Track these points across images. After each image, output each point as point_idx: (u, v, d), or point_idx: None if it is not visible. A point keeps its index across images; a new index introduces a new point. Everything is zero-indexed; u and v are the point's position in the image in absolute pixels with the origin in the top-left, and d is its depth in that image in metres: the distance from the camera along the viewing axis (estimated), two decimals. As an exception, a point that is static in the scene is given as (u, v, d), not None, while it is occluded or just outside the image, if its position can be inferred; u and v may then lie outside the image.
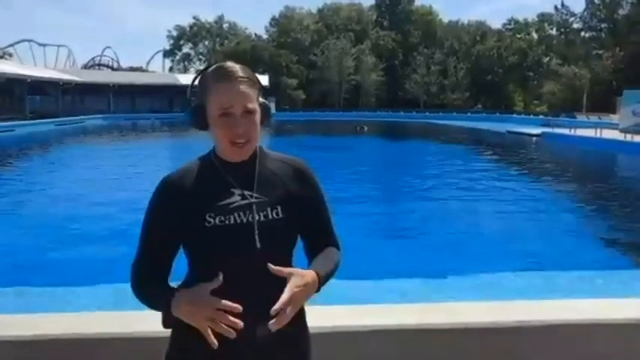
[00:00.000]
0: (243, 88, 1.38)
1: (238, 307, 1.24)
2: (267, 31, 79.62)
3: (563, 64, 62.44)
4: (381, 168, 18.53)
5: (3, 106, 41.66)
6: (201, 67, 1.48)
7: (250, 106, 1.38)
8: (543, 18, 73.31)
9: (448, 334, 2.18)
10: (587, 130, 26.07)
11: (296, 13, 78.23)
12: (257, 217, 1.40)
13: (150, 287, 1.40)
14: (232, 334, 1.24)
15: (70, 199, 11.14)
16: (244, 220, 1.39)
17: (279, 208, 1.42)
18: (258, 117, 1.41)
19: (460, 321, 2.21)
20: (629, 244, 7.92)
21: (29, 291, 4.82)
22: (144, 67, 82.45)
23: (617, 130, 25.42)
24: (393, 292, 4.78)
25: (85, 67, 75.88)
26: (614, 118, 34.01)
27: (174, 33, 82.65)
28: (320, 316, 2.16)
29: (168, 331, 1.46)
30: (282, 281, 1.30)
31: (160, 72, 78.57)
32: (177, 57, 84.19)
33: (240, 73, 1.38)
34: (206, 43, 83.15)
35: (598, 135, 24.39)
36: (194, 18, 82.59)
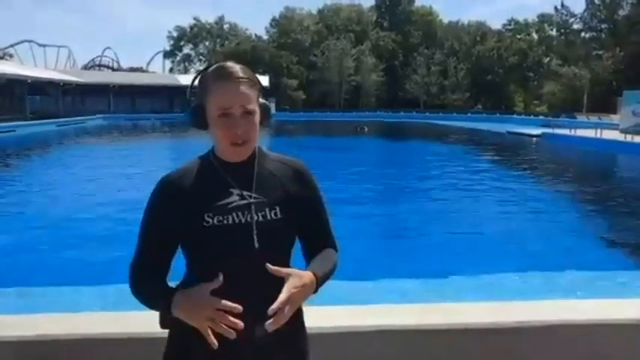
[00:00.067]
0: (242, 88, 1.37)
1: (238, 307, 1.24)
2: (267, 31, 79.77)
3: (563, 64, 62.47)
4: (381, 168, 18.52)
5: (3, 107, 41.66)
6: (202, 68, 1.48)
7: (250, 106, 1.38)
8: (543, 18, 73.32)
9: (448, 334, 2.18)
10: (588, 130, 26.05)
11: (296, 13, 78.27)
12: (255, 218, 1.40)
13: (149, 287, 1.40)
14: (232, 335, 1.24)
15: (70, 199, 11.16)
16: (243, 220, 1.39)
17: (277, 209, 1.43)
18: (257, 118, 1.41)
19: (460, 321, 2.22)
20: (629, 244, 7.92)
21: (31, 291, 4.82)
22: (144, 67, 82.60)
23: (618, 130, 25.41)
24: (393, 292, 4.78)
25: (86, 67, 75.98)
26: (615, 118, 34.02)
27: (175, 33, 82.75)
28: (321, 317, 2.17)
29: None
30: (281, 281, 1.30)
31: (160, 73, 78.63)
32: (178, 58, 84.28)
33: (240, 74, 1.38)
34: (206, 43, 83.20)
35: (598, 135, 24.38)
36: (194, 19, 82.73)
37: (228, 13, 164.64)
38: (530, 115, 53.93)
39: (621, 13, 62.91)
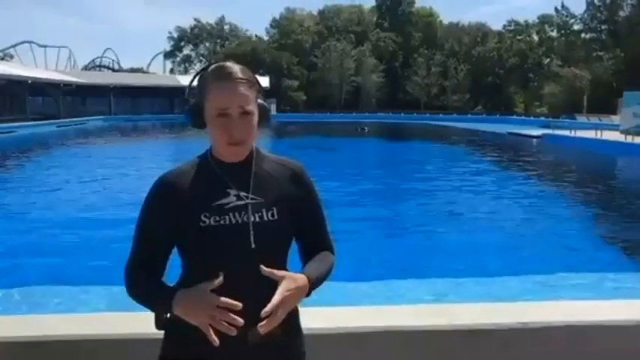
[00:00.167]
0: (241, 89, 1.37)
1: (238, 304, 1.25)
2: (267, 32, 79.84)
3: (563, 65, 62.45)
4: (382, 168, 18.52)
5: (4, 108, 41.69)
6: (201, 68, 1.48)
7: (247, 107, 1.38)
8: (544, 19, 73.27)
9: (448, 335, 2.19)
10: (588, 131, 26.06)
11: (297, 14, 78.33)
12: (252, 218, 1.40)
13: (148, 287, 1.40)
14: (233, 332, 1.25)
15: (71, 199, 11.16)
16: (239, 221, 1.39)
17: (274, 210, 1.42)
18: (255, 118, 1.41)
19: (460, 322, 2.22)
20: (629, 245, 7.92)
21: (32, 291, 4.83)
22: (144, 68, 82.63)
23: (618, 131, 25.41)
24: (395, 293, 4.79)
25: (86, 68, 76.04)
26: (615, 119, 34.01)
27: (175, 34, 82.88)
28: (322, 317, 2.17)
29: None
30: (277, 283, 1.31)
31: (160, 73, 78.67)
32: (178, 58, 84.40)
33: (239, 74, 1.38)
34: (207, 44, 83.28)
35: (599, 136, 24.38)
36: (195, 19, 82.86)
37: (229, 14, 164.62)
38: (530, 117, 53.90)
39: (621, 14, 62.95)
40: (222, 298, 1.25)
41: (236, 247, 1.38)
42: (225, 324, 1.25)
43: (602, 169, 19.13)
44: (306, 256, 1.50)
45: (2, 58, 61.05)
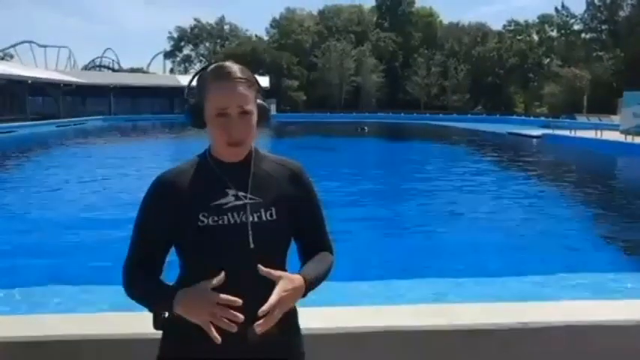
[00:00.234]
0: (240, 88, 1.37)
1: (238, 300, 1.25)
2: (267, 32, 79.83)
3: (563, 65, 62.44)
4: (382, 168, 18.53)
5: (4, 108, 41.70)
6: (201, 68, 1.48)
7: (247, 107, 1.38)
8: (544, 19, 73.27)
9: (448, 335, 2.19)
10: (588, 131, 26.06)
11: (297, 14, 78.33)
12: (251, 218, 1.40)
13: (147, 286, 1.40)
14: (234, 328, 1.25)
15: (72, 199, 11.17)
16: (238, 221, 1.39)
17: (273, 210, 1.42)
18: (254, 118, 1.41)
19: (460, 322, 2.22)
20: (629, 245, 7.92)
21: (33, 291, 4.83)
22: (144, 68, 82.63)
23: (618, 131, 25.41)
24: (395, 293, 4.79)
25: (86, 68, 76.03)
26: (615, 119, 34.01)
27: (175, 34, 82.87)
28: (321, 317, 2.17)
29: None
30: (275, 283, 1.31)
31: (160, 73, 78.67)
32: (178, 58, 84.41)
33: (238, 74, 1.38)
34: (207, 44, 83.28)
35: (599, 136, 24.38)
36: (195, 19, 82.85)
37: (229, 14, 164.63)
38: (530, 117, 53.91)
39: (622, 14, 62.96)
40: (222, 295, 1.26)
41: (234, 247, 1.38)
42: (226, 321, 1.25)
43: (602, 169, 19.13)
44: (305, 257, 1.50)
45: (2, 58, 61.08)
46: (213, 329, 1.26)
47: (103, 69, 77.87)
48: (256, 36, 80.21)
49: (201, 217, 1.38)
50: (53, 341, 2.05)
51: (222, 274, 1.29)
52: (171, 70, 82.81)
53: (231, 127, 1.37)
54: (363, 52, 70.87)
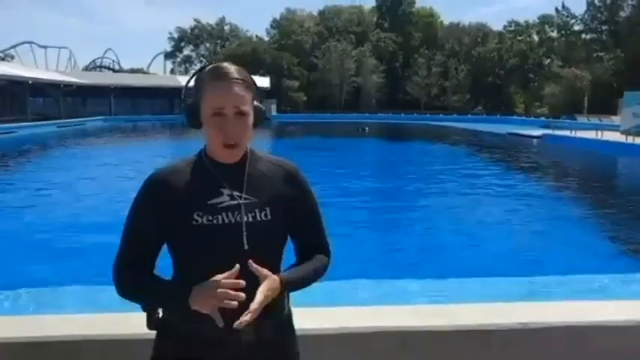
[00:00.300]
0: (236, 89, 1.37)
1: (241, 282, 1.28)
2: (268, 33, 79.82)
3: (564, 66, 62.40)
4: (382, 168, 18.53)
5: (5, 108, 41.70)
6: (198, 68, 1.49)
7: (243, 107, 1.38)
8: (544, 20, 73.22)
9: (448, 335, 2.19)
10: (588, 131, 26.05)
11: (297, 15, 78.32)
12: (245, 218, 1.39)
13: (153, 285, 1.40)
14: (233, 305, 1.26)
15: (71, 198, 11.17)
16: (232, 221, 1.39)
17: (267, 210, 1.42)
18: (250, 119, 1.41)
19: (460, 322, 2.22)
20: (630, 245, 7.92)
21: (36, 292, 4.83)
22: (145, 69, 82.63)
23: (618, 131, 25.41)
24: (395, 293, 4.79)
25: (86, 68, 76.04)
26: (615, 119, 33.99)
27: (176, 35, 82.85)
28: (322, 317, 2.18)
29: None
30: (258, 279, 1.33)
31: (161, 74, 78.65)
32: (179, 59, 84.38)
33: (235, 75, 1.38)
34: (207, 45, 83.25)
35: (599, 137, 24.37)
36: (195, 20, 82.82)
37: (229, 15, 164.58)
38: (530, 117, 53.88)
39: (622, 14, 62.93)
40: (224, 280, 1.28)
41: (228, 247, 1.37)
42: (227, 301, 1.26)
43: (603, 170, 19.12)
44: (301, 256, 1.50)
45: (3, 59, 61.02)
46: (218, 315, 1.27)
47: (103, 69, 77.87)
48: (257, 36, 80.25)
49: (195, 217, 1.37)
50: (54, 342, 2.05)
51: (237, 266, 1.30)
52: (172, 71, 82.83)
53: (226, 128, 1.37)
54: (364, 52, 70.85)
